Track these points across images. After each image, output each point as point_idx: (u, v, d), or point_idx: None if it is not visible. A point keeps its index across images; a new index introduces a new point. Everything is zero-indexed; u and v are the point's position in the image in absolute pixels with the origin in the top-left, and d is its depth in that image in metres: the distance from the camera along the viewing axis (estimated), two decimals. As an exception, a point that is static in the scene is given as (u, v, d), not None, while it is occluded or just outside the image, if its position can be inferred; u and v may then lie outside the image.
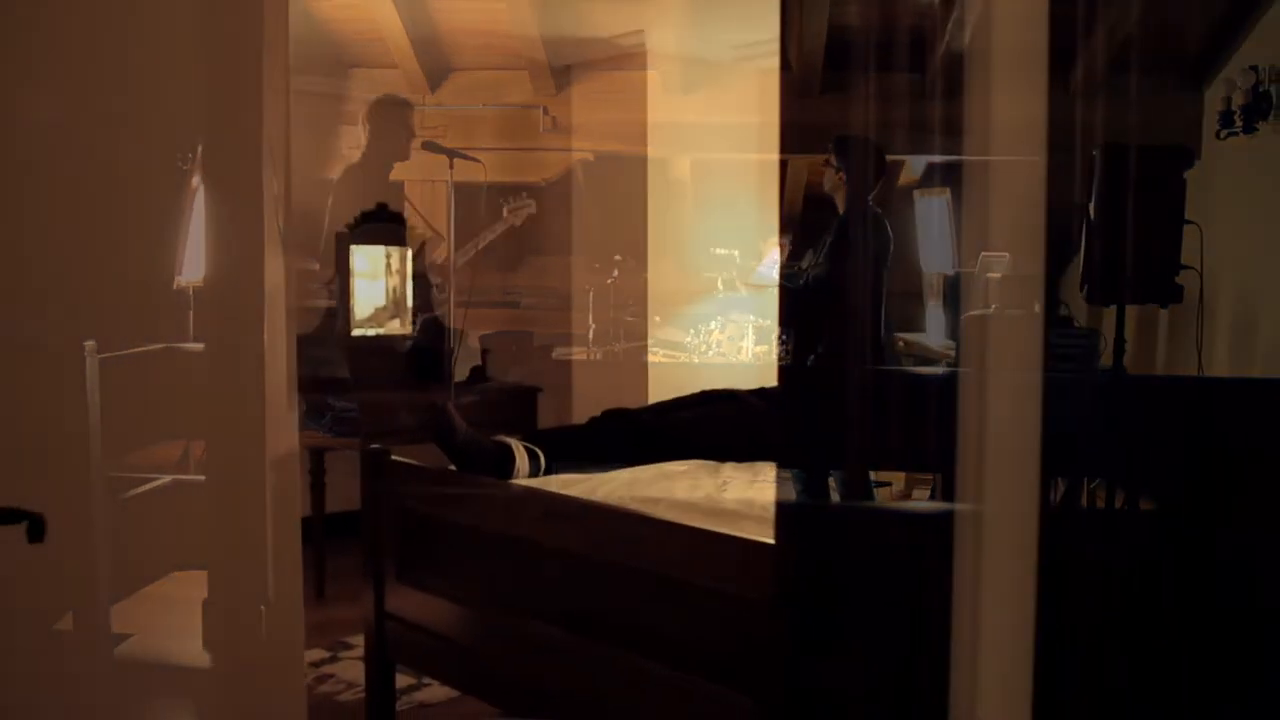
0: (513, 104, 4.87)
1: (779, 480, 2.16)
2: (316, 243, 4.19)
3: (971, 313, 1.33)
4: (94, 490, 2.28)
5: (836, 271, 3.04)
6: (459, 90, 4.83)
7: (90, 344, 2.19)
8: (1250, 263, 2.68)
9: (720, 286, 4.64)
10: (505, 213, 4.59)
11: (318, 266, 4.15)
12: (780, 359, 3.23)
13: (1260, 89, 2.67)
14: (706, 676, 1.92)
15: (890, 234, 3.05)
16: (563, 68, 4.76)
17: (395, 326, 4.32)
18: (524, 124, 4.87)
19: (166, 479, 2.47)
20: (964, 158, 1.27)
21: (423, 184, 4.46)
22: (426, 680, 3.04)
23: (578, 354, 4.68)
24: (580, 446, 2.83)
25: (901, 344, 3.18)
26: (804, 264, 3.26)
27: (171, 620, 2.62)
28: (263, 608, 2.14)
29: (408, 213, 4.37)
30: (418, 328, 4.32)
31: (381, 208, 4.25)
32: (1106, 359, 2.28)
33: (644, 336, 4.57)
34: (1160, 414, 1.75)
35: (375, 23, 4.39)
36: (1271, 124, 2.66)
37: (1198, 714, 1.62)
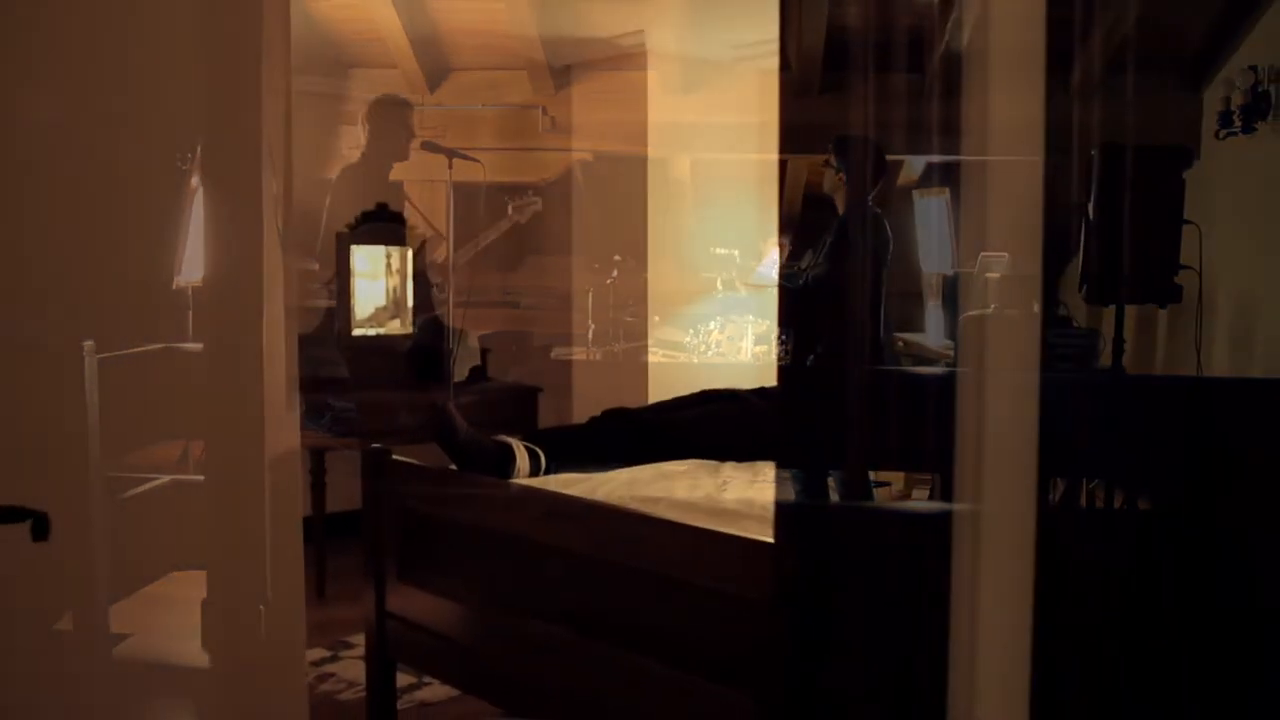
0: (512, 104, 4.87)
1: (778, 480, 2.16)
2: (314, 243, 4.19)
3: (970, 313, 1.33)
4: (93, 490, 2.28)
5: (836, 271, 3.04)
6: (458, 90, 4.83)
7: (89, 344, 2.19)
8: (1249, 263, 2.68)
9: (720, 286, 4.64)
10: (510, 210, 4.59)
11: (317, 267, 4.15)
12: (779, 359, 3.23)
13: (1259, 89, 2.68)
14: (706, 675, 1.92)
15: (890, 234, 3.05)
16: (563, 68, 4.76)
17: (395, 326, 4.32)
18: (523, 124, 4.87)
19: (165, 479, 2.47)
20: (962, 158, 1.27)
21: (421, 184, 4.46)
22: (427, 679, 3.04)
23: (577, 354, 4.68)
24: (581, 446, 2.83)
25: (901, 344, 3.19)
26: (803, 264, 3.27)
27: (170, 620, 2.62)
28: (262, 607, 2.14)
29: (408, 212, 4.37)
30: (417, 327, 4.32)
31: (382, 207, 4.25)
32: (1106, 359, 2.28)
33: (644, 336, 4.57)
34: (1158, 414, 1.75)
35: (374, 23, 4.39)
36: (1270, 124, 2.66)
37: (1196, 714, 1.62)
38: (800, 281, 3.25)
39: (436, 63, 4.72)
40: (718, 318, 4.61)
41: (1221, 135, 2.73)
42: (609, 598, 2.14)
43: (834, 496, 1.84)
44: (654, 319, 4.61)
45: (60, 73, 2.07)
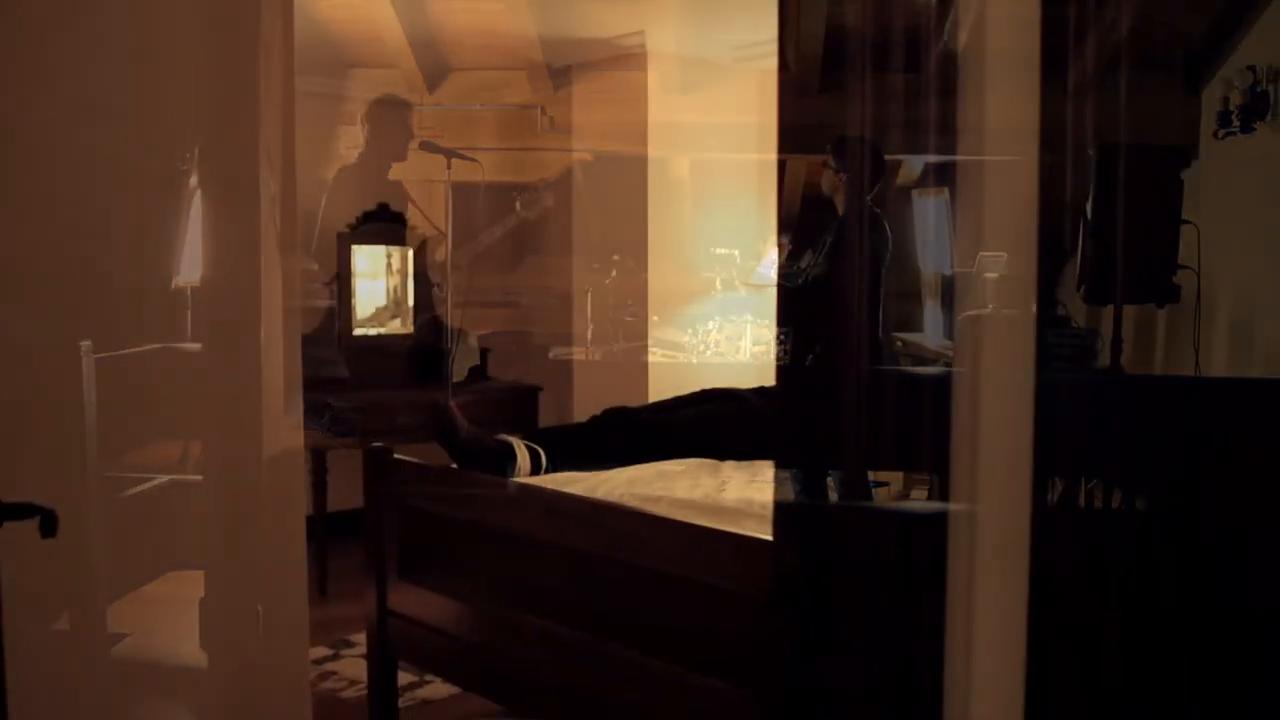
0: (511, 104, 4.87)
1: (777, 479, 2.16)
2: (310, 243, 4.19)
3: (968, 313, 1.34)
4: (91, 490, 2.28)
5: (836, 271, 3.04)
6: (457, 90, 4.83)
7: (87, 344, 2.20)
8: (1248, 263, 2.68)
9: (719, 286, 4.65)
10: (519, 205, 4.60)
11: (316, 266, 4.16)
12: (778, 359, 3.23)
13: (1258, 89, 2.67)
14: (706, 672, 1.93)
15: (889, 234, 3.05)
16: (563, 68, 4.76)
17: (396, 326, 4.33)
18: (522, 124, 4.88)
19: (164, 479, 2.47)
20: (958, 158, 1.28)
21: (420, 184, 4.46)
22: (429, 677, 3.05)
23: (577, 354, 4.68)
24: (581, 445, 2.84)
25: (899, 344, 3.18)
26: (803, 264, 3.27)
27: (169, 620, 2.62)
28: (260, 607, 2.14)
29: (409, 212, 4.38)
30: (418, 327, 4.33)
31: (383, 207, 4.26)
32: (1105, 359, 2.28)
33: (643, 336, 4.58)
34: (1157, 414, 1.75)
35: (373, 23, 4.39)
36: (1269, 124, 2.66)
37: (1193, 714, 1.63)
38: (799, 281, 3.25)
39: (435, 63, 4.72)
40: (716, 318, 4.62)
41: (1220, 135, 2.73)
42: (609, 596, 2.15)
43: (833, 496, 1.84)
44: (653, 319, 4.61)
45: (59, 72, 2.08)
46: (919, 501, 2.18)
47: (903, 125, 1.69)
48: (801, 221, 3.43)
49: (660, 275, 4.60)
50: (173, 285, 2.61)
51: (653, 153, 4.60)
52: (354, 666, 3.19)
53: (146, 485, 2.45)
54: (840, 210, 3.20)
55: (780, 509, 1.92)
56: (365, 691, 2.76)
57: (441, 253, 4.31)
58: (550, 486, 2.47)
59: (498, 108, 4.89)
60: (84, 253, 2.13)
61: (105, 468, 2.21)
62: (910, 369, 2.91)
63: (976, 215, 1.26)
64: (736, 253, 4.61)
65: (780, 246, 4.28)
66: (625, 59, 4.57)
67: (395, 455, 2.67)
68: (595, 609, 2.17)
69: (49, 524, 1.32)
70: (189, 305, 2.53)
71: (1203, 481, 1.70)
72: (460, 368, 4.40)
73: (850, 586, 1.61)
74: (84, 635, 2.31)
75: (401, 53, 4.57)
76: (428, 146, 4.10)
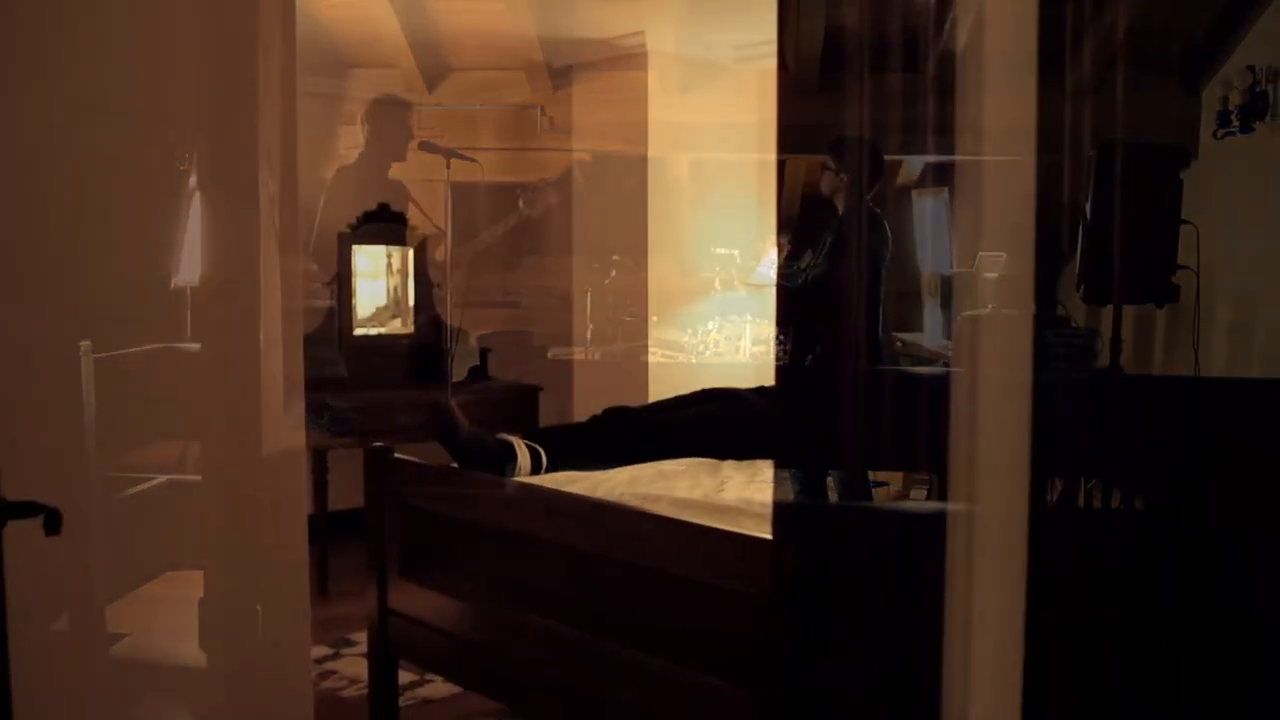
0: (510, 104, 4.87)
1: (777, 479, 2.17)
2: (308, 243, 4.20)
3: (966, 313, 1.34)
4: (90, 490, 2.29)
5: (835, 272, 3.04)
6: (457, 90, 4.83)
7: (86, 344, 2.20)
8: (1247, 263, 2.68)
9: (718, 286, 4.65)
10: (521, 204, 4.60)
11: (316, 267, 4.16)
12: (778, 359, 3.23)
13: (1257, 89, 2.67)
14: (706, 671, 1.93)
15: (889, 234, 3.05)
16: (563, 68, 4.77)
17: (397, 326, 4.33)
18: (522, 124, 4.88)
19: (163, 478, 2.48)
20: (956, 158, 1.28)
21: (420, 184, 4.46)
22: (429, 676, 3.05)
23: (577, 354, 4.69)
24: (581, 444, 2.84)
25: (899, 344, 3.18)
26: (803, 264, 3.26)
27: (168, 620, 2.62)
28: (259, 607, 2.14)
29: (410, 211, 4.38)
30: (418, 327, 4.33)
31: (383, 207, 4.26)
32: (1105, 359, 2.28)
33: (642, 336, 4.58)
34: (1156, 413, 1.75)
35: (373, 23, 4.39)
36: (1268, 124, 2.66)
37: (1191, 714, 1.63)
38: (799, 281, 3.25)
39: (435, 63, 4.72)
40: (716, 318, 4.62)
41: (1220, 135, 2.72)
42: (610, 594, 2.15)
43: (833, 496, 1.84)
44: (653, 319, 4.61)
45: (59, 72, 2.08)
46: (918, 501, 2.19)
47: (902, 125, 1.69)
48: (801, 221, 3.42)
49: (660, 275, 4.61)
50: (172, 285, 2.61)
51: (653, 153, 4.60)
52: (355, 665, 3.19)
53: (146, 485, 2.45)
54: (840, 210, 3.20)
55: (779, 509, 1.92)
56: (366, 690, 2.76)
57: (441, 252, 4.31)
58: (550, 486, 2.47)
59: (498, 108, 4.89)
60: (84, 253, 2.13)
61: (104, 468, 2.21)
62: (910, 369, 2.91)
63: (975, 215, 1.26)
64: (736, 253, 4.61)
65: (780, 246, 4.28)
66: (625, 59, 4.57)
67: (396, 455, 2.67)
68: (595, 608, 2.17)
69: (53, 522, 1.33)
70: (188, 305, 2.53)
71: (1202, 481, 1.70)
72: (460, 368, 4.41)
73: (849, 586, 1.61)
74: (83, 635, 2.31)
75: (401, 53, 4.57)
76: (427, 146, 4.10)
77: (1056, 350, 2.22)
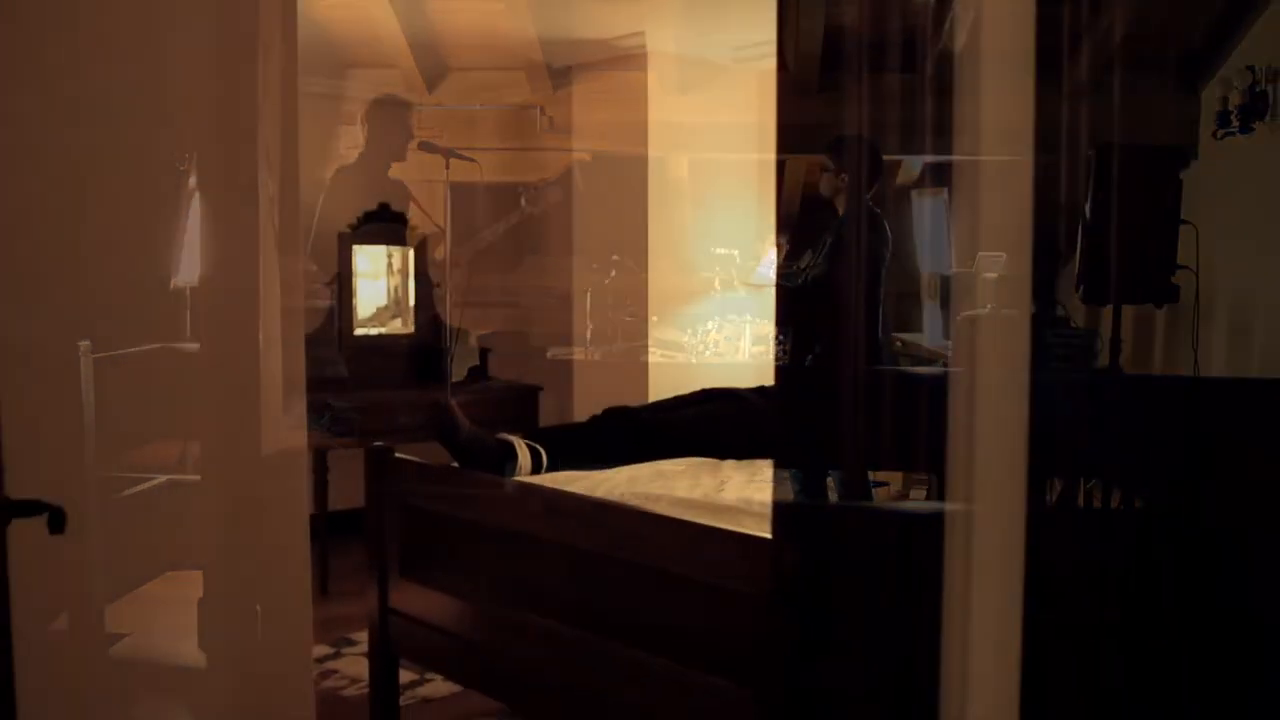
0: (510, 104, 4.87)
1: (777, 479, 2.17)
2: (307, 243, 4.20)
3: (965, 313, 1.34)
4: (89, 490, 2.29)
5: (835, 272, 3.04)
6: (456, 90, 4.83)
7: (85, 344, 2.20)
8: (1246, 263, 2.68)
9: (718, 286, 4.65)
10: (523, 201, 4.60)
11: (315, 268, 4.16)
12: (777, 359, 3.24)
13: (1257, 89, 2.67)
14: (707, 670, 1.93)
15: (889, 234, 3.05)
16: (563, 68, 4.77)
17: (397, 326, 4.33)
18: (521, 124, 4.88)
19: (162, 479, 2.48)
20: (954, 158, 1.28)
21: (419, 184, 4.47)
22: (430, 675, 3.05)
23: (577, 354, 4.69)
24: (582, 444, 2.84)
25: (899, 344, 3.18)
26: (802, 264, 3.27)
27: (167, 620, 2.62)
28: (258, 607, 2.14)
29: (410, 211, 4.38)
30: (418, 327, 4.34)
31: (384, 207, 4.26)
32: (1105, 359, 2.28)
33: (642, 336, 4.58)
34: (1155, 414, 1.75)
35: (372, 23, 4.39)
36: (1268, 124, 2.66)
37: (1189, 714, 1.63)
38: (799, 281, 3.25)
39: (435, 63, 4.72)
40: (716, 318, 4.62)
41: (1219, 135, 2.73)
42: (610, 594, 2.15)
43: (833, 496, 1.85)
44: (653, 319, 4.62)
45: (58, 72, 2.08)
46: (917, 501, 2.19)
47: (901, 125, 1.69)
48: (801, 221, 3.43)
49: (660, 275, 4.61)
50: (171, 285, 2.61)
51: (653, 153, 4.61)
52: (355, 665, 3.20)
53: (145, 485, 2.46)
54: (840, 210, 3.20)
55: (779, 508, 1.92)
56: (367, 690, 2.76)
57: (441, 252, 4.32)
58: (551, 485, 2.47)
59: (497, 108, 4.89)
60: (83, 253, 2.13)
61: (104, 468, 2.21)
62: (909, 369, 2.91)
63: (973, 215, 1.26)
64: (736, 253, 4.61)
65: (779, 246, 4.28)
66: (625, 59, 4.57)
67: (396, 454, 2.67)
68: (596, 607, 2.17)
69: (57, 521, 1.33)
70: (188, 305, 2.53)
71: (1201, 481, 1.71)
72: (460, 367, 4.41)
73: (849, 586, 1.61)
74: (83, 635, 2.31)
75: (401, 53, 4.57)
76: (426, 146, 4.11)
77: (1056, 350, 2.22)
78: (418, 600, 2.56)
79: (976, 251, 1.30)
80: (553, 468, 2.67)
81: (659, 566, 2.04)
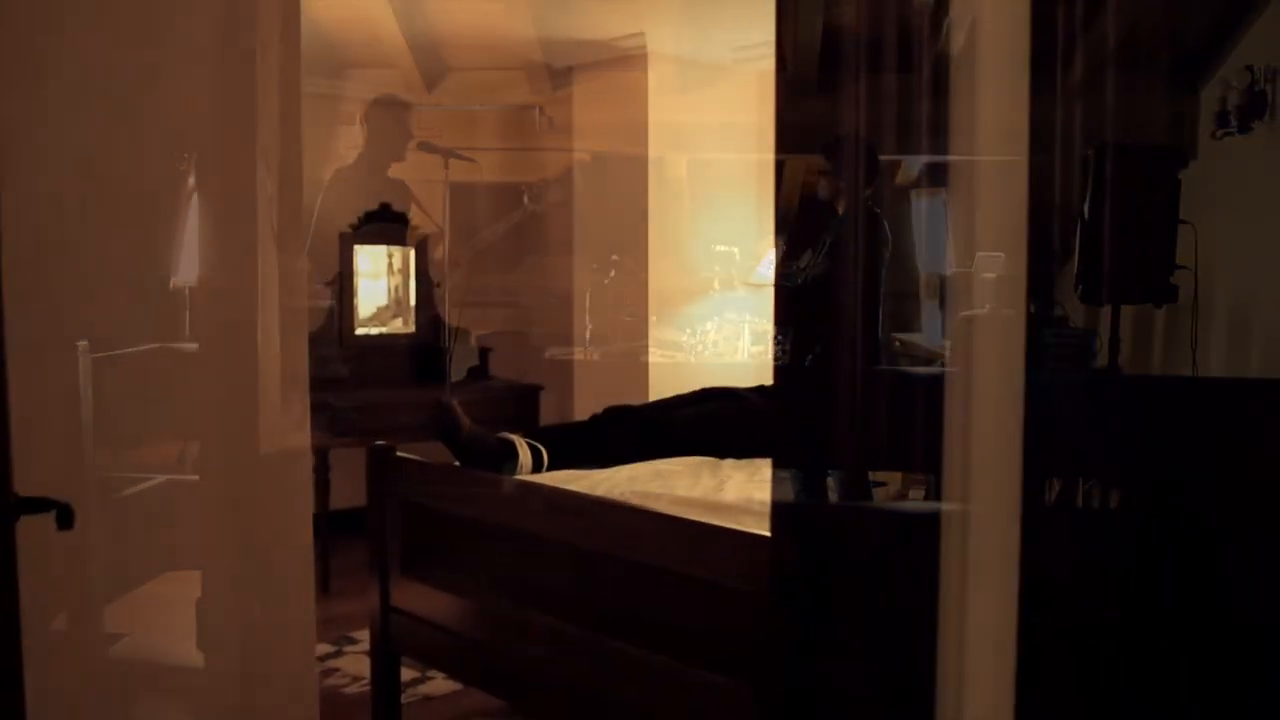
0: (509, 104, 4.87)
1: (776, 479, 2.17)
2: (305, 243, 4.20)
3: (964, 314, 1.34)
4: (88, 490, 2.29)
5: (834, 271, 3.04)
6: (456, 90, 4.83)
7: (83, 344, 2.20)
8: (1246, 263, 2.68)
9: (717, 286, 4.65)
10: (525, 200, 4.61)
11: (312, 267, 4.17)
12: (777, 358, 3.24)
13: (1256, 89, 2.67)
14: (707, 668, 1.94)
15: (888, 234, 3.05)
16: (563, 69, 4.77)
17: (398, 325, 4.34)
18: (521, 124, 4.88)
19: (161, 479, 2.48)
20: (951, 158, 1.28)
21: (418, 184, 4.47)
22: (431, 673, 3.06)
23: (577, 354, 4.69)
24: (582, 443, 2.85)
25: (898, 344, 3.19)
26: (802, 263, 3.27)
27: (166, 620, 2.63)
28: (258, 607, 2.15)
29: (411, 211, 4.38)
30: (419, 326, 4.34)
31: (384, 207, 4.27)
32: (1104, 359, 2.28)
33: (642, 336, 4.58)
34: (1154, 414, 1.75)
35: (372, 23, 4.39)
36: (1267, 124, 2.66)
37: (1189, 715, 1.63)
38: (798, 281, 3.25)
39: (434, 63, 4.72)
40: (715, 317, 4.62)
41: (1218, 135, 2.72)
42: (610, 592, 2.16)
43: (832, 495, 1.85)
44: (652, 319, 4.62)
45: (58, 72, 2.08)
46: (916, 501, 2.19)
47: (899, 126, 1.70)
48: (800, 221, 3.43)
49: (660, 275, 4.61)
50: (170, 285, 2.62)
51: (653, 153, 4.61)
52: (357, 663, 3.20)
53: (144, 485, 2.46)
54: (839, 210, 3.20)
55: (779, 508, 1.92)
56: (368, 688, 2.77)
57: (441, 251, 4.32)
58: (551, 484, 2.48)
59: (497, 108, 4.89)
60: (83, 253, 2.13)
61: (103, 467, 2.22)
62: (908, 369, 2.91)
63: (969, 216, 1.26)
64: (736, 251, 4.61)
65: (778, 246, 4.28)
66: (625, 60, 4.57)
67: (398, 453, 2.68)
68: (596, 605, 2.18)
69: (65, 517, 1.34)
70: (187, 305, 2.54)
71: (1200, 481, 1.71)
72: (460, 367, 4.41)
73: (849, 585, 1.61)
74: (83, 635, 2.31)
75: (400, 53, 4.57)
76: (425, 146, 4.11)
77: (1055, 350, 2.23)
78: (419, 598, 2.57)
79: (974, 252, 1.31)
80: (553, 467, 2.67)
81: (659, 565, 2.04)
